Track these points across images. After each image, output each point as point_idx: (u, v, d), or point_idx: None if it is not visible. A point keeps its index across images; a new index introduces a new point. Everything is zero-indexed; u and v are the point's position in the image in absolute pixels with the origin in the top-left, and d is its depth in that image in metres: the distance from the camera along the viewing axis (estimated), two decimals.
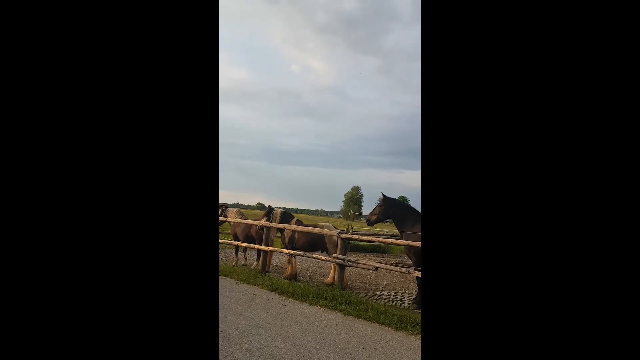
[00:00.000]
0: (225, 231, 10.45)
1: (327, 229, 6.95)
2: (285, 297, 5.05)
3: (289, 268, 7.20)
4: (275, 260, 8.56)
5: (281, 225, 7.15)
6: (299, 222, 7.59)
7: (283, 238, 7.50)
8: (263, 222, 7.58)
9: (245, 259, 8.66)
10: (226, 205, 9.49)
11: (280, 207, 8.11)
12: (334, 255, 5.84)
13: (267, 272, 7.11)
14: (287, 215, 7.73)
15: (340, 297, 5.00)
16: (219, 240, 8.52)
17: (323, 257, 6.11)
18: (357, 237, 6.11)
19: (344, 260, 5.74)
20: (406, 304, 5.53)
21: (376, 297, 5.89)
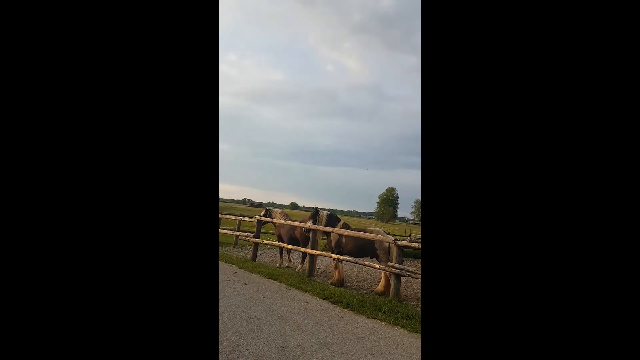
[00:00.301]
0: (269, 231, 10.35)
1: (377, 234, 6.58)
2: (339, 307, 4.73)
3: (336, 274, 6.90)
4: (318, 264, 8.31)
5: (329, 229, 6.85)
6: (345, 226, 7.25)
7: (329, 242, 7.21)
8: (309, 224, 7.34)
9: (289, 261, 8.48)
10: (270, 206, 9.39)
11: (324, 209, 7.84)
12: (390, 264, 5.44)
13: (313, 276, 6.86)
14: (333, 218, 7.42)
15: (400, 310, 4.60)
16: (265, 241, 8.40)
17: (377, 266, 5.73)
18: (416, 245, 5.65)
19: (401, 270, 5.33)
20: None
21: None
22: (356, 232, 6.53)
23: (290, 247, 7.70)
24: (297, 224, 7.70)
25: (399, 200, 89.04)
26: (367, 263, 6.03)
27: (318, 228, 7.02)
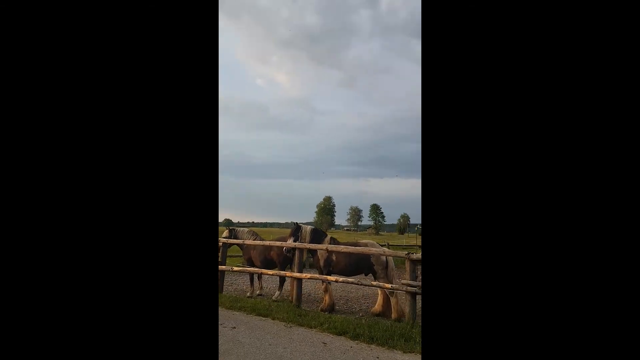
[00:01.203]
0: (235, 254, 8.99)
1: (371, 247, 5.88)
2: (364, 344, 3.87)
3: (327, 298, 6.00)
4: (288, 285, 7.31)
5: (321, 247, 5.95)
6: (334, 241, 6.43)
7: (316, 260, 6.30)
8: (290, 242, 6.35)
9: (261, 288, 7.31)
10: (235, 225, 8.10)
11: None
12: (404, 282, 4.74)
13: (301, 303, 5.86)
14: (318, 233, 6.54)
15: None
16: (235, 268, 7.12)
17: (388, 285, 4.97)
18: None
19: (417, 287, 4.66)
20: None
21: None
22: (349, 246, 5.74)
23: (270, 272, 6.57)
24: (274, 243, 6.64)
25: (336, 208, 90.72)
26: (374, 283, 5.24)
27: (304, 246, 6.07)
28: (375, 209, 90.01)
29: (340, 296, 7.28)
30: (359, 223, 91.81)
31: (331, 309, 5.98)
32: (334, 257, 6.14)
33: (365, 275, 6.21)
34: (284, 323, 4.60)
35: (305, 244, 6.14)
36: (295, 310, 5.15)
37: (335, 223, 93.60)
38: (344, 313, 5.93)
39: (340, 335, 4.13)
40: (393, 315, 5.57)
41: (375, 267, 5.86)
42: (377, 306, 5.95)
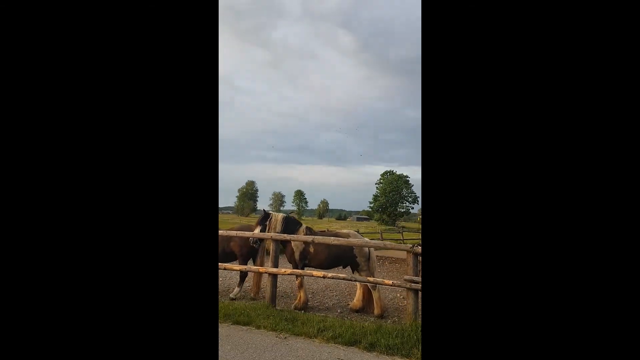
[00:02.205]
0: None
1: (354, 237, 5.29)
2: (386, 356, 3.26)
3: (302, 294, 5.27)
4: (249, 282, 6.38)
5: (303, 238, 5.12)
6: (309, 231, 5.66)
7: (289, 253, 5.47)
8: (257, 232, 5.40)
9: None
10: None
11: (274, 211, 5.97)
12: (406, 278, 4.25)
13: (257, 298, 5.01)
14: (291, 222, 5.69)
15: None
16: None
17: (389, 282, 4.42)
18: None
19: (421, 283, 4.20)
20: None
21: None
22: (330, 237, 5.06)
23: (236, 267, 5.51)
24: (236, 233, 5.58)
25: (259, 193, 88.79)
26: (371, 279, 4.63)
27: (278, 237, 5.17)
28: (300, 195, 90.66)
29: (306, 290, 6.58)
30: (281, 208, 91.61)
31: (305, 306, 5.28)
32: (311, 249, 5.39)
33: (344, 267, 5.62)
34: (274, 333, 3.73)
35: (277, 234, 5.26)
36: (280, 314, 4.30)
37: (258, 208, 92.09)
38: (319, 310, 5.28)
39: (352, 345, 3.46)
40: (376, 311, 5.12)
41: (358, 258, 5.31)
42: (356, 301, 5.43)
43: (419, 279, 4.25)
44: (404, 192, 59.30)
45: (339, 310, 5.37)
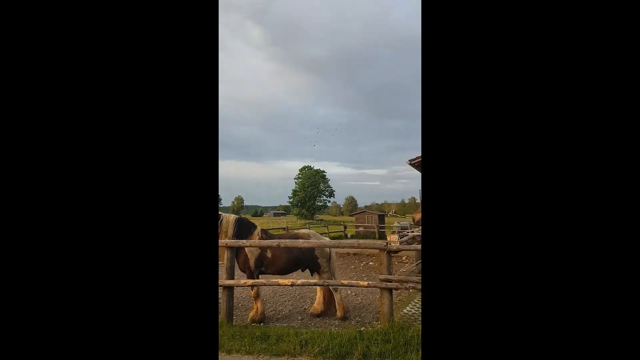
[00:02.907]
0: None
1: (314, 237, 4.96)
2: None
3: (258, 305, 4.76)
4: None
5: (267, 243, 4.56)
6: (265, 233, 5.13)
7: (242, 260, 4.86)
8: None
9: None
10: None
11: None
12: (381, 277, 4.08)
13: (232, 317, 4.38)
14: (245, 224, 5.07)
15: None
16: None
17: (364, 283, 4.18)
18: (415, 247, 4.54)
19: (397, 282, 4.10)
20: None
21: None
22: (286, 239, 4.64)
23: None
24: None
25: None
26: (346, 282, 4.33)
27: (234, 244, 4.53)
28: None
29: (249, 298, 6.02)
30: None
31: (263, 317, 4.78)
32: (268, 254, 4.88)
33: (303, 271, 5.25)
34: (251, 357, 3.18)
35: (230, 241, 4.63)
36: (246, 332, 3.73)
37: None
38: (279, 320, 4.85)
39: (344, 359, 3.14)
40: (338, 314, 4.91)
41: (319, 260, 4.98)
42: (317, 305, 5.13)
43: (394, 277, 4.14)
44: (322, 186, 60.90)
45: (299, 318, 5.00)
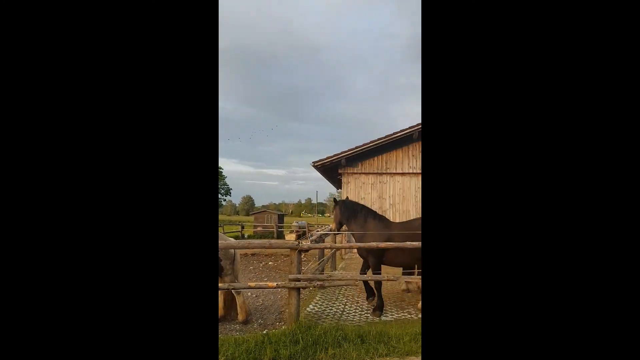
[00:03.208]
0: None
1: (220, 238, 4.61)
2: None
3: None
4: None
5: None
6: None
7: None
8: None
9: None
10: None
11: None
12: (291, 276, 3.99)
13: None
14: None
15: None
16: None
17: (273, 284, 4.00)
18: (324, 246, 4.48)
19: (306, 281, 4.06)
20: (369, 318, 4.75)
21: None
22: None
23: None
24: None
25: None
26: (251, 284, 4.07)
27: None
28: None
29: None
30: None
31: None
32: None
33: None
34: None
35: None
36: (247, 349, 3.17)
37: None
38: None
39: None
40: (240, 317, 4.66)
41: (222, 262, 4.63)
42: (219, 309, 4.76)
43: (303, 276, 4.10)
44: (219, 184, 58.08)
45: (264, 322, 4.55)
